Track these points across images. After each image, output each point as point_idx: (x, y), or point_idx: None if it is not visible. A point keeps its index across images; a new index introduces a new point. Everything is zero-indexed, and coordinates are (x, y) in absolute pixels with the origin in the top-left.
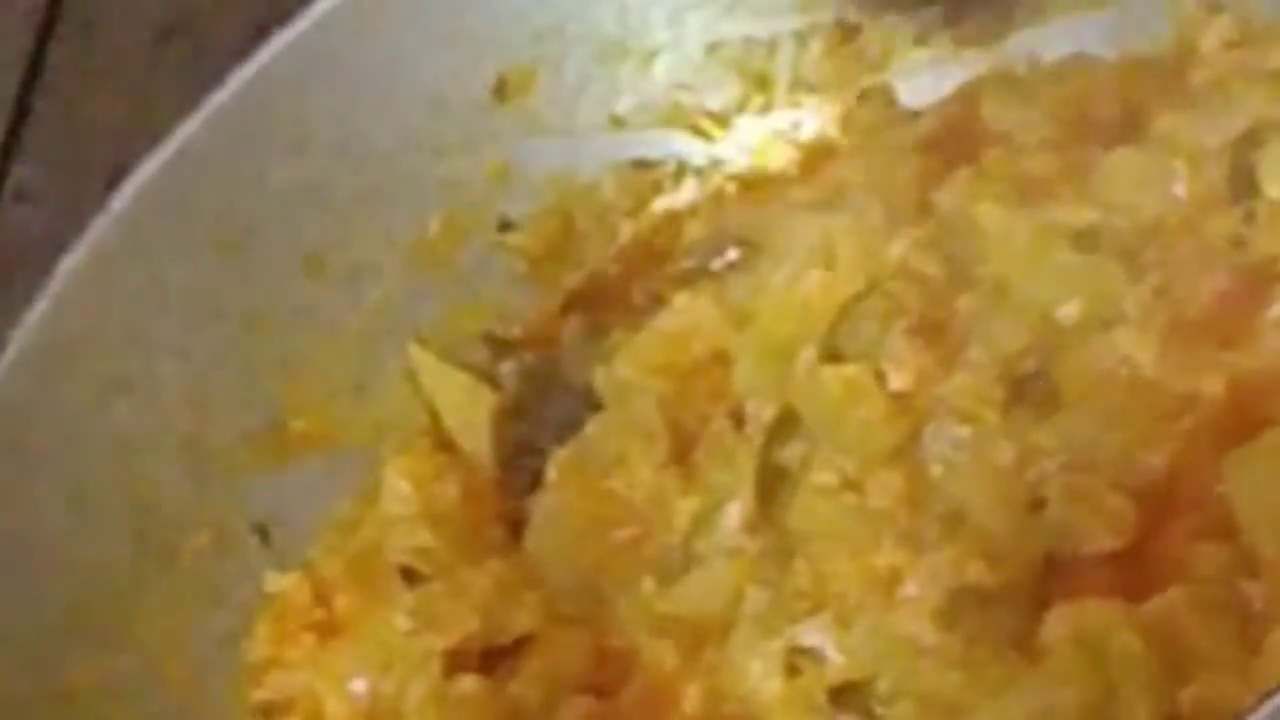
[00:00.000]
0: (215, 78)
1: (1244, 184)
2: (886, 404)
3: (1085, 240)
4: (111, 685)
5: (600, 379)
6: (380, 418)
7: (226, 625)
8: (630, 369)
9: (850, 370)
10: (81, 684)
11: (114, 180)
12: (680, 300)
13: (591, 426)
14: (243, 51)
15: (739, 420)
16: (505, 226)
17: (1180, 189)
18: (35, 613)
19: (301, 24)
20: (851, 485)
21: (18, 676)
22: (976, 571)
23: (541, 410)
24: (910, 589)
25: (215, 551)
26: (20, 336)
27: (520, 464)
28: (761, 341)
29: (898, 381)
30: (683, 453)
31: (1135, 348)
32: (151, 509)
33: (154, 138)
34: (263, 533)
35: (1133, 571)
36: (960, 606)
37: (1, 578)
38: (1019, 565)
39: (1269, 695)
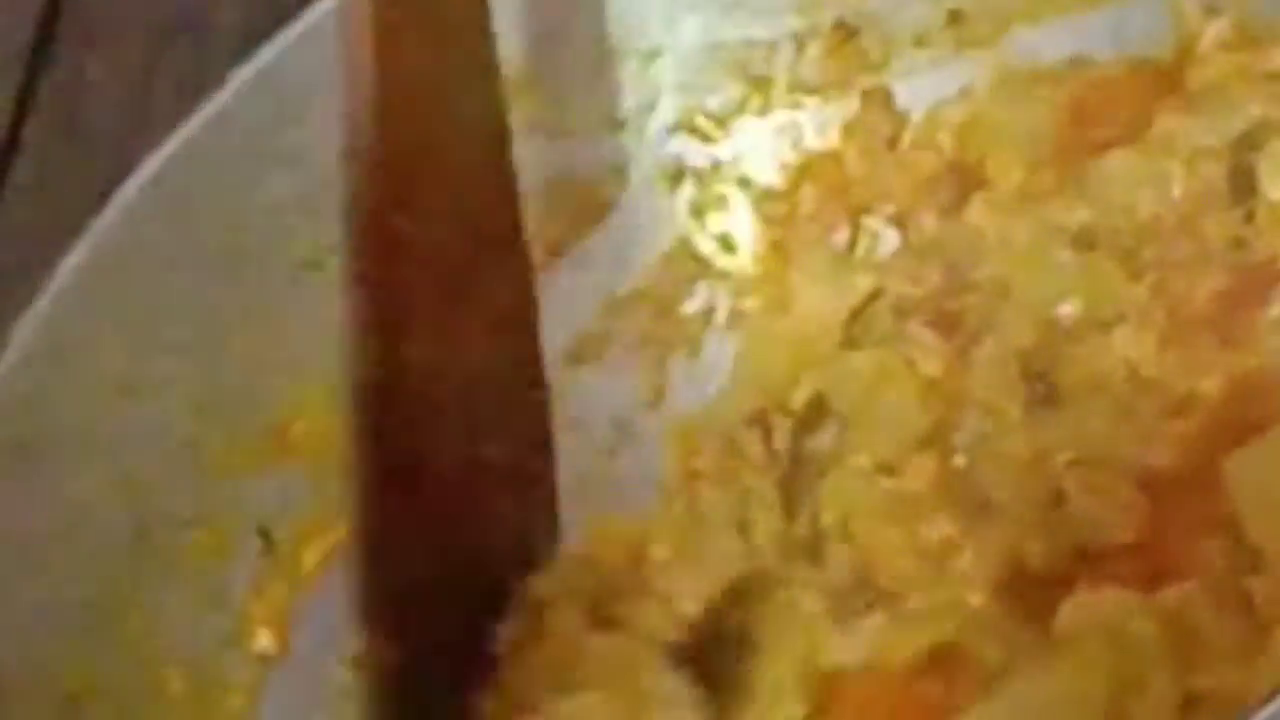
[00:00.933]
0: (215, 79)
1: (1243, 186)
2: (919, 388)
3: (1083, 240)
4: (110, 688)
5: None
6: None
7: (227, 628)
8: None
9: (881, 355)
10: (79, 686)
11: (114, 181)
12: None
13: None
14: (243, 53)
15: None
16: None
17: (1178, 190)
18: (33, 614)
19: (302, 25)
20: (885, 468)
21: (15, 679)
22: (1031, 552)
23: None
24: (966, 560)
25: (216, 554)
26: (20, 337)
27: None
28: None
29: (928, 367)
30: None
31: (1134, 347)
32: (152, 510)
33: (154, 139)
34: (264, 535)
35: (1150, 565)
36: (1009, 585)
37: (0, 578)
38: (1051, 554)
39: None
